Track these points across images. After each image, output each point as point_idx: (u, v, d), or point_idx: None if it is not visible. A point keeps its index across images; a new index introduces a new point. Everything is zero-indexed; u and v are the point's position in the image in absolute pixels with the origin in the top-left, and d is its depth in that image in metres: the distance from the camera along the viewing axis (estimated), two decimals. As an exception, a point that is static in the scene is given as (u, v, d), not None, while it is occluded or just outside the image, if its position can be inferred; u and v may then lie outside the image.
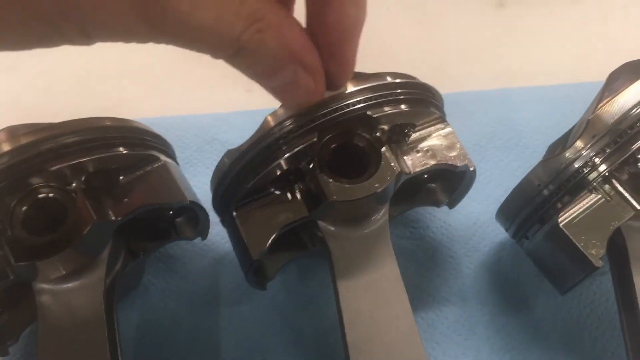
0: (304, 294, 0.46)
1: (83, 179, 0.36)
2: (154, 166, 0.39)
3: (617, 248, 0.39)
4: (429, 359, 0.42)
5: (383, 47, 0.62)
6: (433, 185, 0.46)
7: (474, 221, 0.48)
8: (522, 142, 0.53)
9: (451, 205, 0.45)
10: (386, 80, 0.39)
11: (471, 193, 0.49)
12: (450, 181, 0.44)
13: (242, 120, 0.54)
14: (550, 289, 0.42)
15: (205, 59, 0.30)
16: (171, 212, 0.44)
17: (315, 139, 0.35)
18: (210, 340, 0.43)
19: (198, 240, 0.45)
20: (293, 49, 0.29)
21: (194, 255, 0.47)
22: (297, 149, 0.35)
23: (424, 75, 0.59)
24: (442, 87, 0.58)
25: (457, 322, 0.44)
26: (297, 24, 0.30)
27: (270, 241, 0.36)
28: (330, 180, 0.35)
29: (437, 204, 0.45)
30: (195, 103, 0.56)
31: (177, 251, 0.47)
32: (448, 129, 0.40)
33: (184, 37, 0.27)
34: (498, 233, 0.47)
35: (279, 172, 0.36)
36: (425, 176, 0.45)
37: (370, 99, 0.38)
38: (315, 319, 0.44)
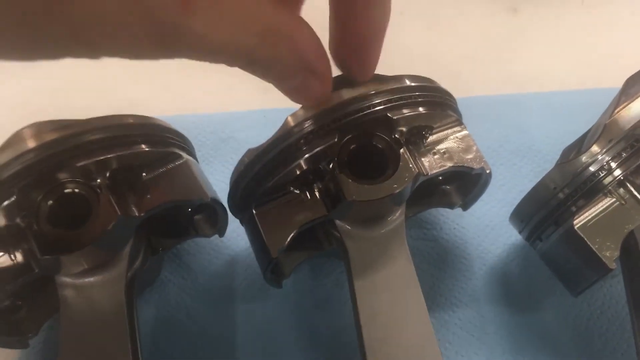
0: (318, 292, 0.46)
1: (107, 175, 0.37)
2: (176, 163, 0.39)
3: (629, 251, 0.40)
4: (444, 357, 0.43)
5: (396, 51, 0.63)
6: (448, 187, 0.46)
7: (487, 223, 0.49)
8: (535, 146, 0.53)
9: (465, 207, 0.46)
10: (405, 83, 0.40)
11: (484, 196, 0.50)
12: (465, 183, 0.45)
13: (258, 118, 0.55)
14: (562, 291, 0.43)
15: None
16: (190, 210, 0.44)
17: (335, 140, 0.36)
18: (225, 336, 0.44)
19: (215, 237, 0.45)
20: (304, 59, 0.30)
21: (210, 252, 0.48)
22: (317, 150, 0.36)
23: (437, 80, 0.60)
24: (455, 91, 0.58)
25: (470, 322, 0.44)
26: (310, 30, 0.31)
27: (289, 239, 0.36)
28: (350, 180, 0.36)
29: (451, 205, 0.46)
30: (212, 102, 0.57)
31: (193, 248, 0.48)
32: (465, 132, 0.41)
33: (197, 55, 0.27)
34: (510, 235, 0.48)
35: (298, 172, 0.37)
36: (440, 178, 0.46)
37: (390, 101, 0.38)
38: (329, 318, 0.45)
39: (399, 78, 0.40)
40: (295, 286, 0.46)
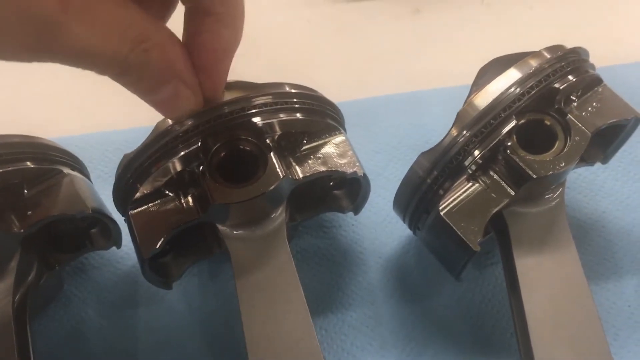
0: (220, 295, 0.47)
1: (-15, 193, 0.38)
2: (57, 179, 0.41)
3: (502, 233, 0.41)
4: (338, 350, 0.45)
5: (304, 58, 0.65)
6: (338, 192, 0.47)
7: (384, 217, 0.50)
8: (432, 140, 0.53)
9: (356, 211, 0.47)
10: (284, 89, 0.41)
11: (381, 191, 0.52)
12: (353, 188, 0.46)
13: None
14: (455, 278, 0.45)
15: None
16: (87, 224, 0.45)
17: (199, 145, 0.38)
18: (128, 343, 0.45)
19: (121, 249, 0.46)
20: (175, 67, 0.32)
21: (114, 263, 0.49)
22: (182, 154, 0.38)
23: (343, 83, 0.62)
24: (361, 93, 0.61)
25: (365, 314, 0.46)
26: (179, 42, 0.33)
27: (161, 242, 0.37)
28: (217, 184, 0.37)
29: (342, 210, 0.47)
30: (119, 119, 0.58)
31: (98, 260, 0.49)
32: (341, 138, 0.42)
33: (73, 59, 0.28)
34: (406, 228, 0.49)
35: (169, 176, 0.38)
36: (331, 183, 0.47)
37: (262, 105, 0.40)
38: (231, 320, 0.46)
39: (278, 85, 0.42)
40: (197, 290, 0.48)
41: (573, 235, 0.42)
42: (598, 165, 0.48)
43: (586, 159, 0.46)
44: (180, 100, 0.34)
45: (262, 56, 0.65)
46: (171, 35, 0.32)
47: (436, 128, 0.56)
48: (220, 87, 0.37)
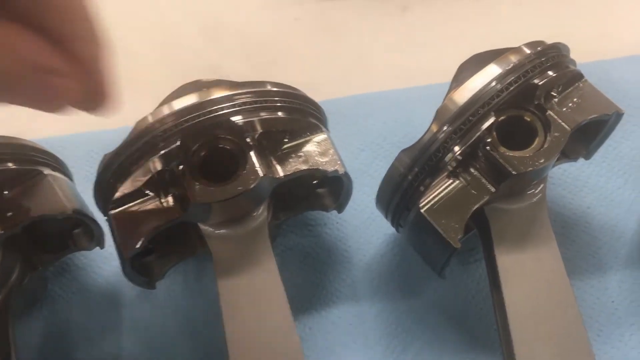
0: (205, 294, 0.47)
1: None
2: (38, 180, 0.41)
3: (483, 229, 0.41)
4: (322, 348, 0.44)
5: (291, 56, 0.65)
6: (321, 190, 0.47)
7: (368, 215, 0.50)
8: (418, 137, 0.55)
9: (339, 209, 0.47)
10: (265, 88, 0.41)
11: (366, 189, 0.52)
12: (336, 186, 0.46)
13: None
14: (440, 275, 0.44)
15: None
16: (69, 225, 0.45)
17: (178, 143, 0.37)
18: (112, 343, 0.45)
19: (105, 249, 0.46)
20: (27, 57, 0.27)
21: (99, 263, 0.49)
22: (161, 153, 0.38)
23: (330, 81, 0.62)
24: (348, 90, 0.60)
25: (348, 312, 0.46)
26: (22, 31, 0.27)
27: (141, 242, 0.37)
28: (196, 183, 0.37)
29: (326, 208, 0.47)
30: (106, 119, 0.58)
31: (82, 261, 0.49)
32: (323, 136, 0.42)
33: None
34: (390, 225, 0.49)
35: (149, 176, 0.38)
36: (315, 182, 0.47)
37: (243, 104, 0.40)
38: (216, 318, 0.46)
39: (260, 83, 0.41)
40: (183, 290, 0.48)
41: (557, 232, 0.42)
42: (582, 161, 0.48)
43: (569, 155, 0.46)
44: (54, 90, 0.29)
45: (249, 54, 0.65)
46: (10, 26, 0.27)
47: (422, 125, 0.55)
48: (105, 91, 0.32)
